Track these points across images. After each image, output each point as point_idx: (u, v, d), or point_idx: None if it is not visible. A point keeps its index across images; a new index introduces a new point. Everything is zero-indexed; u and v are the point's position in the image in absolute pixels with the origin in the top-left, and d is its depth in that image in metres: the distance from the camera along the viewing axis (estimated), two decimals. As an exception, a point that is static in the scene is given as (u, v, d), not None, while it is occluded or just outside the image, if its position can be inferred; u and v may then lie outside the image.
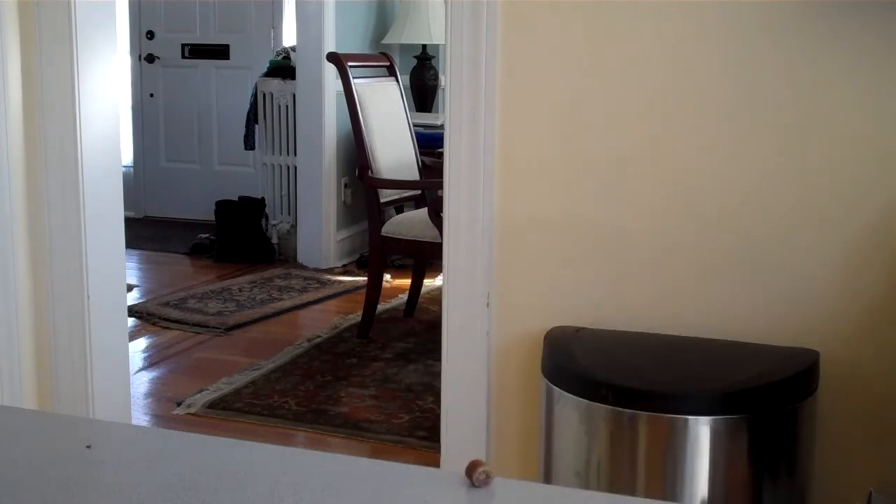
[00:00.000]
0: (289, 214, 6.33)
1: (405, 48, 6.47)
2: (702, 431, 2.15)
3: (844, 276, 2.39)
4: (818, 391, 2.30)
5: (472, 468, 1.07)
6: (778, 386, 2.20)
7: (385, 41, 6.33)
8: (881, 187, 2.34)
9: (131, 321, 4.77)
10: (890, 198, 2.34)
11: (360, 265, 6.07)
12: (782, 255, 2.43)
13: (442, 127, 3.99)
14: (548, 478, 2.39)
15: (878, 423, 2.41)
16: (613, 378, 2.22)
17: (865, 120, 2.34)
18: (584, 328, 2.52)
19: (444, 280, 2.73)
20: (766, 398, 2.18)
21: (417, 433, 3.61)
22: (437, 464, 2.80)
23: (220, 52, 7.28)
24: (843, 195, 2.37)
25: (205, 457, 1.14)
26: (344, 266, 6.12)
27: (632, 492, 2.21)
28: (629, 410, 2.17)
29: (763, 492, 2.25)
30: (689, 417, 2.14)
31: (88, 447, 1.14)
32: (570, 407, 2.28)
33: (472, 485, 1.07)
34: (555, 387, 2.32)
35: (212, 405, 3.86)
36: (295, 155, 6.19)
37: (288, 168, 6.29)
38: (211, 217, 6.46)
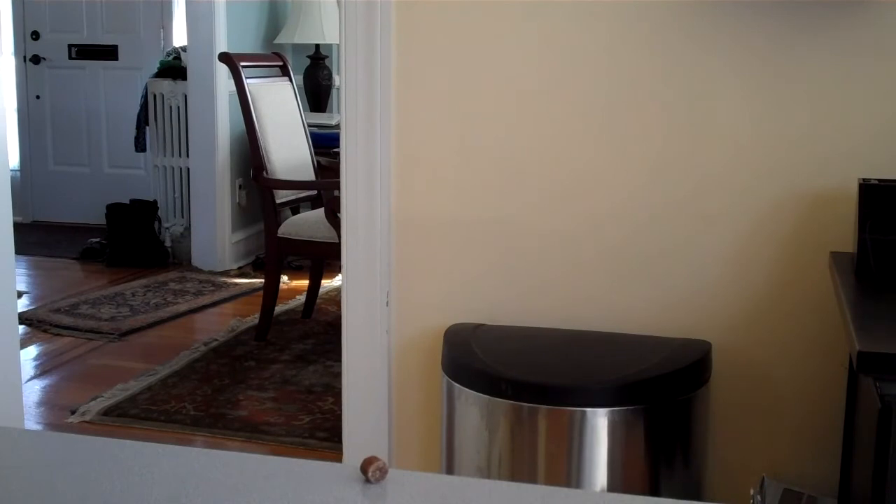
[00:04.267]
0: (182, 217, 6.24)
1: (298, 48, 6.43)
2: (599, 423, 2.19)
3: (733, 268, 2.46)
4: (711, 381, 2.37)
5: (366, 464, 1.08)
6: (672, 377, 2.26)
7: (277, 41, 6.28)
8: (768, 182, 2.42)
9: (21, 329, 4.64)
10: (776, 193, 2.41)
11: (256, 267, 6.02)
12: (673, 249, 2.49)
13: (337, 127, 3.99)
14: (450, 473, 2.40)
15: (769, 411, 2.48)
16: (512, 373, 2.25)
17: (751, 117, 2.41)
18: (482, 325, 2.55)
19: (343, 280, 2.73)
20: (660, 389, 2.23)
21: (318, 434, 3.60)
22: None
23: (108, 52, 7.13)
24: (732, 190, 2.44)
25: (105, 459, 1.12)
26: (240, 268, 6.06)
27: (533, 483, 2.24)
28: (528, 404, 2.20)
29: (660, 480, 2.30)
30: (587, 410, 2.18)
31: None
32: (470, 403, 2.30)
33: (368, 480, 1.07)
34: (455, 383, 2.34)
35: (107, 412, 3.79)
36: (187, 156, 6.10)
37: (181, 170, 6.20)
38: (102, 221, 6.33)
